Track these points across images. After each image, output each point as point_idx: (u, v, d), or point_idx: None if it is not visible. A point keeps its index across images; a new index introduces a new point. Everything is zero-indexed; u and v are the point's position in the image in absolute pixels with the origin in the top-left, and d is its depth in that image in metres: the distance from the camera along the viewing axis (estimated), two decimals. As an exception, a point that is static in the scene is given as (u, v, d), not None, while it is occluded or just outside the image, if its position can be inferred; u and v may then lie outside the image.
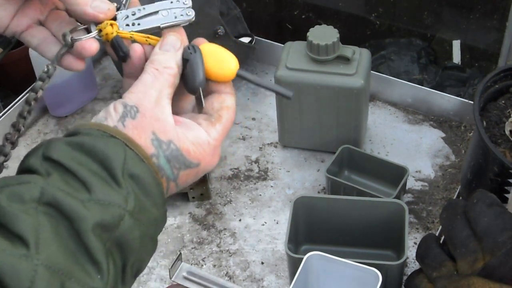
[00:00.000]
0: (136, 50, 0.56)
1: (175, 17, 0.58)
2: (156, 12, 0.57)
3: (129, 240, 0.47)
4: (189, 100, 0.59)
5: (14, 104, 1.22)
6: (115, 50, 0.56)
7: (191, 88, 0.55)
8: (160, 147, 0.51)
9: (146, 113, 0.51)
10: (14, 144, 0.54)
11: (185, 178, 0.53)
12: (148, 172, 0.49)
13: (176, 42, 0.56)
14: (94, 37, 0.56)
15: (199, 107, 0.56)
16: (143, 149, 0.50)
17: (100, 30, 0.56)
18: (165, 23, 0.58)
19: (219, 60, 0.57)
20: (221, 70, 0.57)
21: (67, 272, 0.44)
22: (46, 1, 0.60)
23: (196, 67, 0.55)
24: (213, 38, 1.21)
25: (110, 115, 0.51)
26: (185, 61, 0.55)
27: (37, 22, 0.60)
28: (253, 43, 1.28)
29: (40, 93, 0.54)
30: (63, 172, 0.47)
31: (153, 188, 0.49)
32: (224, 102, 0.56)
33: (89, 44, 0.56)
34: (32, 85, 0.55)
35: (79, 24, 0.58)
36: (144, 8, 0.57)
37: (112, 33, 0.56)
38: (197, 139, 0.53)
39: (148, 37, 0.57)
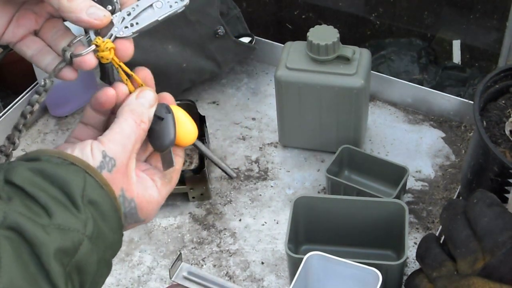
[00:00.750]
0: (120, 93, 0.58)
1: (170, 6, 0.58)
2: (151, 6, 0.57)
3: (87, 264, 0.49)
4: (146, 153, 0.61)
5: (14, 104, 1.22)
6: (103, 73, 0.57)
7: (161, 146, 0.57)
8: (124, 204, 0.54)
9: (121, 169, 0.53)
10: (8, 157, 0.55)
11: (132, 226, 0.58)
12: (106, 198, 0.51)
13: (152, 99, 0.58)
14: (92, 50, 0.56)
15: (164, 164, 0.59)
16: (102, 177, 0.51)
17: (97, 45, 0.56)
18: (162, 15, 0.58)
19: (184, 127, 0.60)
20: (184, 137, 0.59)
21: None
22: (41, 11, 0.60)
23: (169, 127, 0.57)
24: (213, 38, 1.21)
25: (87, 159, 0.52)
26: (159, 119, 0.57)
27: (32, 33, 0.60)
28: (253, 43, 1.28)
29: (36, 106, 0.55)
30: (24, 197, 0.48)
31: (111, 213, 0.51)
32: (177, 165, 0.60)
33: (89, 58, 0.56)
34: (29, 99, 0.55)
35: (76, 36, 0.58)
36: (137, 5, 0.57)
37: (107, 59, 0.56)
38: (150, 198, 0.57)
39: (132, 75, 0.59)
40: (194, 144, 0.60)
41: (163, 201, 0.59)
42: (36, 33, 0.60)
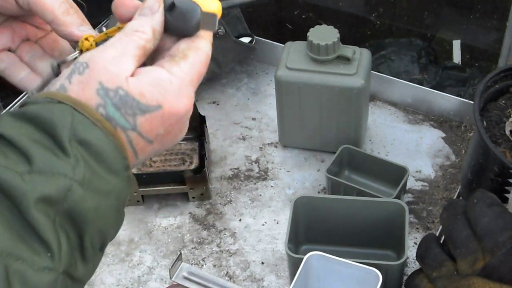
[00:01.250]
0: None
1: None
2: None
3: (81, 212, 0.43)
4: None
5: (14, 104, 1.22)
6: None
7: (187, 27, 0.49)
8: (107, 95, 0.45)
9: (96, 67, 0.46)
10: None
11: (149, 126, 0.47)
12: (102, 136, 0.45)
13: (154, 4, 0.49)
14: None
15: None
16: (94, 112, 0.45)
17: (81, 51, 0.52)
18: None
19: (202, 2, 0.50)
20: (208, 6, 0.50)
21: (13, 254, 0.40)
22: (19, 31, 0.57)
23: (190, 3, 0.49)
24: (213, 38, 1.20)
25: (60, 76, 0.47)
26: (170, 7, 0.49)
27: (6, 49, 0.57)
28: (253, 43, 1.28)
29: None
30: (3, 144, 0.43)
31: (108, 153, 0.45)
32: (193, 43, 0.50)
33: None
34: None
35: (65, 58, 0.53)
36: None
37: (91, 45, 0.52)
38: (155, 79, 0.47)
39: (120, 27, 0.52)
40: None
41: (184, 82, 0.48)
42: (10, 51, 0.58)
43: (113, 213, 0.46)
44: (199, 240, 1.05)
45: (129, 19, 0.50)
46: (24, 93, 1.24)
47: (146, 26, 0.49)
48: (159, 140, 0.48)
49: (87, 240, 0.44)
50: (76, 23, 0.53)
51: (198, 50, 0.50)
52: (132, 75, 0.47)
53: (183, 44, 0.50)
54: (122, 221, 0.48)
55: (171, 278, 0.97)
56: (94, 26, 1.35)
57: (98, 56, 0.47)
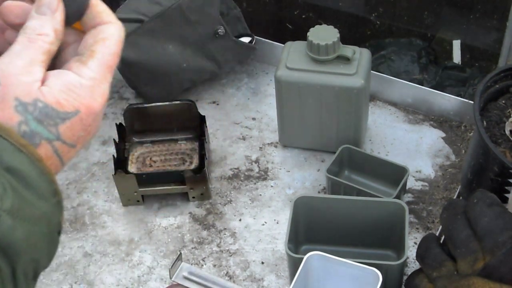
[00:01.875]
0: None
1: None
2: None
3: (12, 242, 0.41)
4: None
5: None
6: None
7: (74, 14, 0.46)
8: (27, 110, 0.43)
9: (8, 82, 0.43)
10: None
11: (71, 132, 0.46)
12: (27, 162, 0.42)
13: (52, 1, 0.46)
14: None
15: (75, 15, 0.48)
16: (19, 137, 0.43)
17: None
18: None
19: None
20: None
21: None
22: None
23: None
24: (213, 38, 1.21)
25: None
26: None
27: None
28: (253, 43, 1.28)
29: None
30: None
31: (36, 179, 0.43)
32: (99, 34, 0.47)
33: None
34: None
35: None
36: None
37: None
38: (65, 85, 0.45)
39: None
40: None
41: (95, 82, 0.47)
42: None
43: (45, 241, 0.44)
44: (199, 240, 1.05)
45: (21, 24, 0.47)
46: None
47: (47, 27, 0.46)
48: (81, 142, 0.48)
49: (20, 271, 0.42)
50: None
51: (105, 41, 0.47)
52: (42, 82, 0.45)
53: (90, 39, 0.47)
54: (56, 248, 0.46)
55: (171, 278, 0.97)
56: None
57: (7, 70, 0.44)
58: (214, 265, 1.01)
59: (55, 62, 0.48)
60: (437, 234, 0.95)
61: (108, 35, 0.47)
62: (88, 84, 0.46)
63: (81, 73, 0.46)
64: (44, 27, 0.45)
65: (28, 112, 0.44)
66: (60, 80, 0.45)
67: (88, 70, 0.46)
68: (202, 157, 1.09)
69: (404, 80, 1.24)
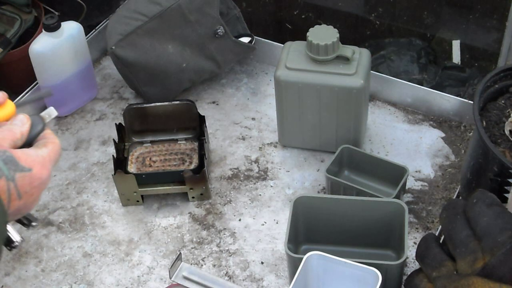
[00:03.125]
0: None
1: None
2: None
3: None
4: None
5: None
6: None
7: (37, 133, 0.71)
8: None
9: None
10: None
11: (22, 181, 0.63)
12: None
13: (23, 120, 0.69)
14: None
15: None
16: None
17: None
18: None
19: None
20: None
21: None
22: None
23: (36, 118, 0.72)
24: (213, 38, 1.21)
25: None
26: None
27: None
28: (253, 43, 1.29)
29: None
30: None
31: None
32: (50, 139, 0.70)
33: None
34: None
35: None
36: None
37: None
38: (27, 152, 0.65)
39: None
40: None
41: (46, 159, 0.67)
42: None
43: None
44: (198, 240, 1.05)
45: None
46: (24, 93, 1.24)
47: (17, 131, 0.68)
48: (25, 198, 0.64)
49: None
50: None
51: (54, 144, 0.69)
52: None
53: (42, 140, 0.70)
54: None
55: (170, 278, 0.97)
56: (93, 26, 1.35)
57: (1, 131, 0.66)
58: (214, 265, 1.02)
59: None
60: (436, 234, 0.95)
61: (55, 141, 0.69)
62: (41, 155, 0.66)
63: (37, 151, 0.67)
64: (15, 130, 0.68)
65: None
66: (22, 149, 0.66)
67: (42, 151, 0.67)
68: (202, 157, 1.09)
69: (404, 80, 1.24)
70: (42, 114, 0.72)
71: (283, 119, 1.13)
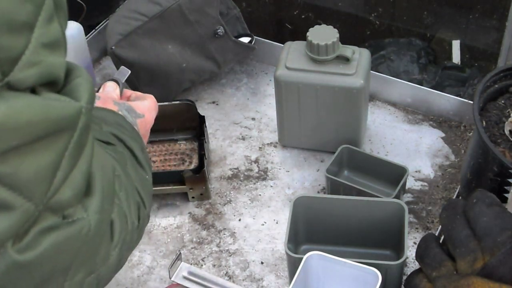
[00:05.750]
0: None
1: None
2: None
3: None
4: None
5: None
6: None
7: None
8: (119, 105, 0.76)
9: (102, 96, 0.78)
10: None
11: (140, 125, 0.76)
12: (128, 123, 0.72)
13: (114, 86, 0.84)
14: None
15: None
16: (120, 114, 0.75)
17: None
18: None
19: None
20: None
21: None
22: None
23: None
24: (213, 38, 1.21)
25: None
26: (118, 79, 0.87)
27: None
28: (252, 43, 1.28)
29: None
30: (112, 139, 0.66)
31: (132, 129, 0.71)
32: (146, 95, 0.84)
33: None
34: None
35: None
36: None
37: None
38: (137, 103, 0.80)
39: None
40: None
41: (147, 108, 0.80)
42: None
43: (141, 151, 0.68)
44: (198, 240, 1.05)
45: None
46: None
47: (113, 94, 0.83)
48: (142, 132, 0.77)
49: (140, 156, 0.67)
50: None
51: (150, 97, 0.83)
52: None
53: (141, 95, 0.85)
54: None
55: (170, 278, 0.97)
56: (93, 26, 1.35)
57: (104, 93, 0.82)
58: (214, 265, 1.02)
59: None
60: (436, 234, 0.95)
61: (152, 96, 0.84)
62: (147, 106, 0.81)
63: (143, 102, 0.82)
64: (113, 93, 0.83)
65: (120, 105, 0.76)
66: (133, 101, 0.81)
67: (146, 102, 0.82)
68: (202, 157, 1.09)
69: (404, 80, 1.24)
70: (117, 76, 0.87)
71: (283, 119, 1.13)
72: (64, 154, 0.44)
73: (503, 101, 0.97)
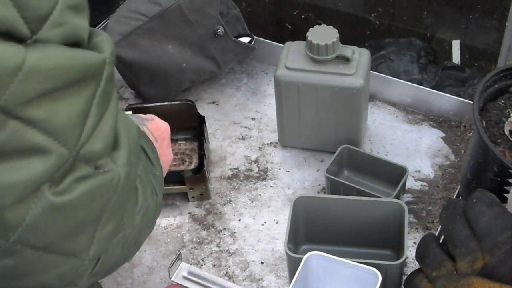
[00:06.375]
0: None
1: None
2: None
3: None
4: None
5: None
6: None
7: None
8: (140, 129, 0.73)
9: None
10: None
11: (151, 126, 0.75)
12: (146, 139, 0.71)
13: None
14: None
15: None
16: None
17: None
18: None
19: None
20: None
21: None
22: None
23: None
24: (213, 38, 1.21)
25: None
26: None
27: None
28: (252, 43, 1.28)
29: None
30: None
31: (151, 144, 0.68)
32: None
33: None
34: None
35: None
36: None
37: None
38: (140, 114, 0.80)
39: None
40: None
41: (160, 123, 0.78)
42: None
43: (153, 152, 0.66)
44: (198, 240, 1.05)
45: None
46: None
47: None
48: (160, 141, 0.75)
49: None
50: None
51: (152, 115, 0.80)
52: None
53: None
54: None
55: (170, 278, 0.97)
56: (93, 26, 1.35)
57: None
58: (214, 265, 1.02)
59: None
60: (436, 234, 0.95)
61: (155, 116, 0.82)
62: (154, 116, 0.80)
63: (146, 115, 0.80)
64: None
65: (142, 129, 0.71)
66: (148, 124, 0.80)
67: (150, 115, 0.80)
68: (202, 157, 1.09)
69: (404, 80, 1.24)
70: None
71: (283, 119, 1.13)
72: (93, 102, 0.47)
73: (503, 101, 0.97)
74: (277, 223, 1.07)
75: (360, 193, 1.01)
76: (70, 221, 0.48)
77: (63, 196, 0.46)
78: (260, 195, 1.11)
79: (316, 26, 1.06)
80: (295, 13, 1.51)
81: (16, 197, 0.44)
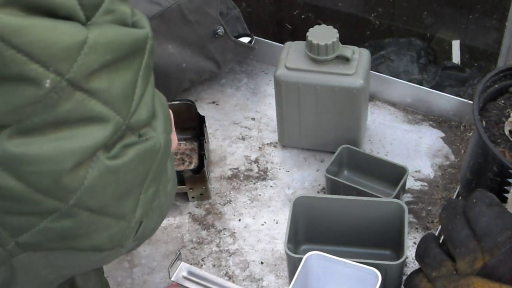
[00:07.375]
0: None
1: None
2: None
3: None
4: None
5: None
6: None
7: None
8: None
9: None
10: None
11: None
12: None
13: None
14: None
15: None
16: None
17: None
18: None
19: None
20: None
21: None
22: None
23: None
24: (213, 38, 1.21)
25: None
26: None
27: None
28: (252, 43, 1.28)
29: None
30: None
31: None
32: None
33: None
34: None
35: None
36: None
37: None
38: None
39: None
40: None
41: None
42: None
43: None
44: (198, 240, 1.05)
45: None
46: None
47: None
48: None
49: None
50: None
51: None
52: None
53: None
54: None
55: (170, 278, 0.97)
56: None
57: None
58: (214, 265, 1.02)
59: None
60: (436, 234, 0.95)
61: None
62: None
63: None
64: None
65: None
66: None
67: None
68: (202, 157, 1.09)
69: (404, 80, 1.24)
70: None
71: (283, 119, 1.13)
72: (139, 74, 0.52)
73: (503, 101, 0.97)
74: (277, 223, 1.07)
75: (360, 193, 1.01)
76: (121, 184, 0.52)
77: (116, 160, 0.50)
78: (260, 195, 1.11)
79: (316, 26, 1.06)
80: (295, 13, 1.51)
81: (77, 161, 0.48)
